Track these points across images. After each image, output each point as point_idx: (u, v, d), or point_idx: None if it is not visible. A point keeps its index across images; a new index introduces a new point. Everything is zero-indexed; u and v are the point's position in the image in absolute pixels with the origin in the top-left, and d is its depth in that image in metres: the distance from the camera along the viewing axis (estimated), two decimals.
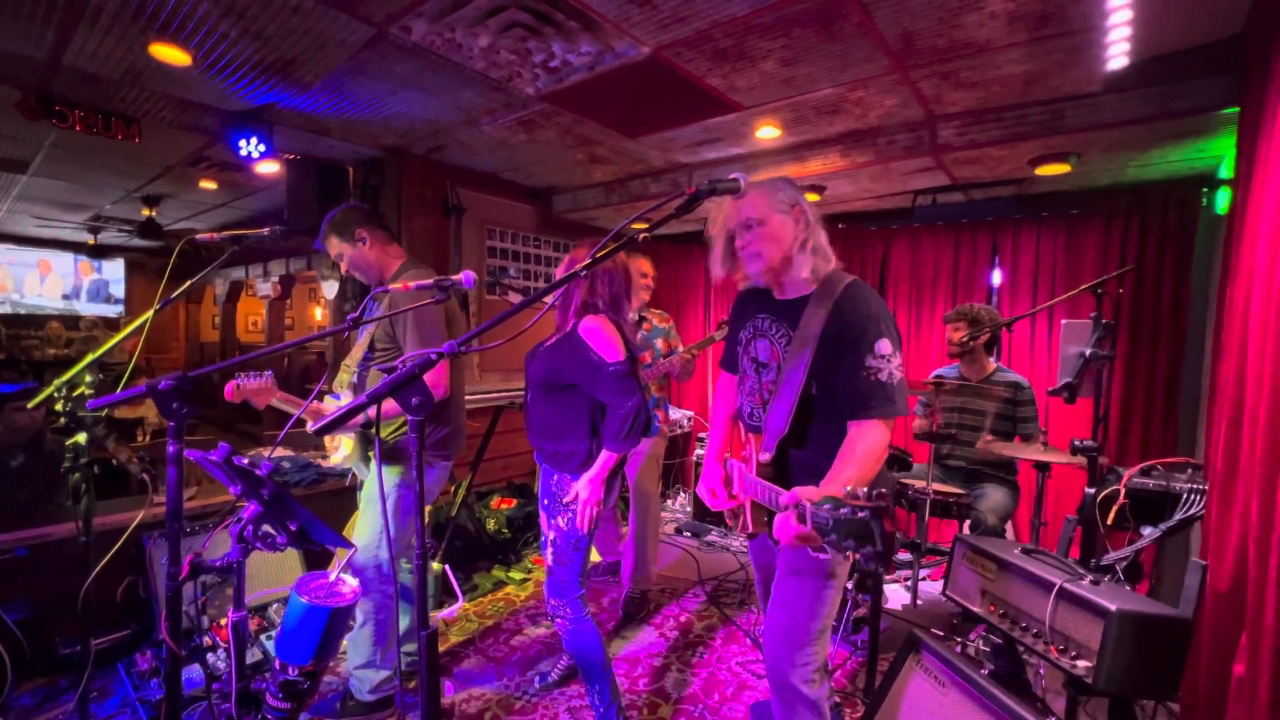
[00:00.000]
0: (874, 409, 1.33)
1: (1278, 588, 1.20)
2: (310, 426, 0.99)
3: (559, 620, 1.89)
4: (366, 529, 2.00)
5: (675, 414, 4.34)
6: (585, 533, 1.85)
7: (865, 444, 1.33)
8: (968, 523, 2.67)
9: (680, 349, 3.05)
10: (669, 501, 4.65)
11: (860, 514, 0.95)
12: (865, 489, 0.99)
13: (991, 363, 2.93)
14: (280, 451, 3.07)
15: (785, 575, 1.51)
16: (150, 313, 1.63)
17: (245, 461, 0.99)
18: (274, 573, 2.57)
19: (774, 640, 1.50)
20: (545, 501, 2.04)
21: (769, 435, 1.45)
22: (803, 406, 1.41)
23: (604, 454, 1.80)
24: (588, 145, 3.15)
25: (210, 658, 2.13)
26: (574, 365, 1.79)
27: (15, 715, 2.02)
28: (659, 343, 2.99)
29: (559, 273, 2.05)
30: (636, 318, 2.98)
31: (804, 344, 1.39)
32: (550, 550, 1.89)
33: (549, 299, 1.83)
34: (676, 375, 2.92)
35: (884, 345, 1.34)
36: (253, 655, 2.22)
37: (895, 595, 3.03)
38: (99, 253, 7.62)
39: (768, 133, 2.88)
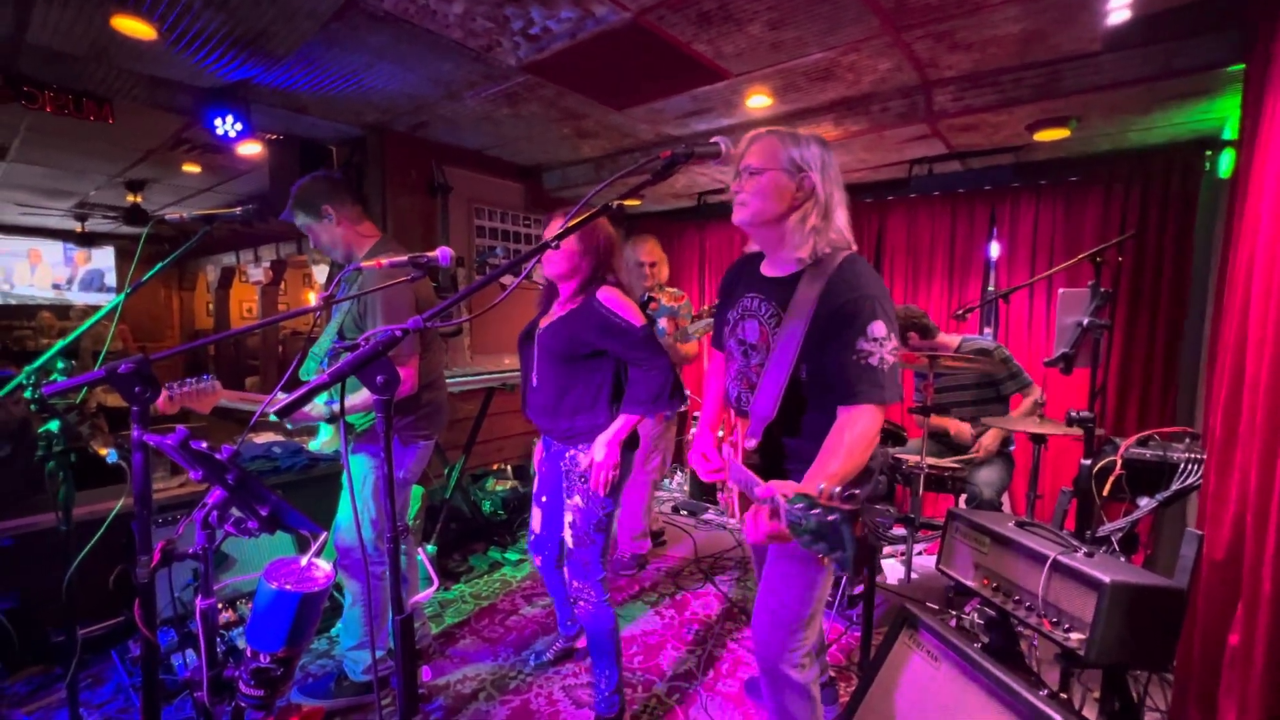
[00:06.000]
0: (862, 395, 1.24)
1: (1275, 557, 1.17)
2: (272, 410, 0.95)
3: (581, 603, 1.85)
4: (346, 511, 1.98)
5: None
6: (604, 510, 1.80)
7: (853, 432, 1.25)
8: (963, 497, 2.65)
9: (690, 333, 2.97)
10: (667, 480, 4.65)
11: (830, 516, 0.87)
12: (839, 488, 0.91)
13: (955, 338, 2.91)
14: (270, 436, 3.04)
15: (776, 558, 1.46)
16: (119, 297, 1.59)
17: (204, 445, 0.96)
18: (273, 559, 2.56)
19: (763, 625, 1.46)
20: (544, 498, 2.00)
21: (755, 421, 1.36)
22: (791, 391, 1.31)
23: (623, 416, 1.76)
24: (574, 119, 3.07)
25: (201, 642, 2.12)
26: (600, 332, 1.75)
27: (8, 703, 2.03)
28: (663, 322, 2.94)
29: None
30: (645, 298, 2.93)
31: (794, 324, 1.30)
32: (569, 532, 1.83)
33: (525, 269, 1.80)
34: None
35: (878, 328, 1.24)
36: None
37: (891, 570, 3.02)
38: (87, 240, 7.54)
39: (759, 101, 2.79)
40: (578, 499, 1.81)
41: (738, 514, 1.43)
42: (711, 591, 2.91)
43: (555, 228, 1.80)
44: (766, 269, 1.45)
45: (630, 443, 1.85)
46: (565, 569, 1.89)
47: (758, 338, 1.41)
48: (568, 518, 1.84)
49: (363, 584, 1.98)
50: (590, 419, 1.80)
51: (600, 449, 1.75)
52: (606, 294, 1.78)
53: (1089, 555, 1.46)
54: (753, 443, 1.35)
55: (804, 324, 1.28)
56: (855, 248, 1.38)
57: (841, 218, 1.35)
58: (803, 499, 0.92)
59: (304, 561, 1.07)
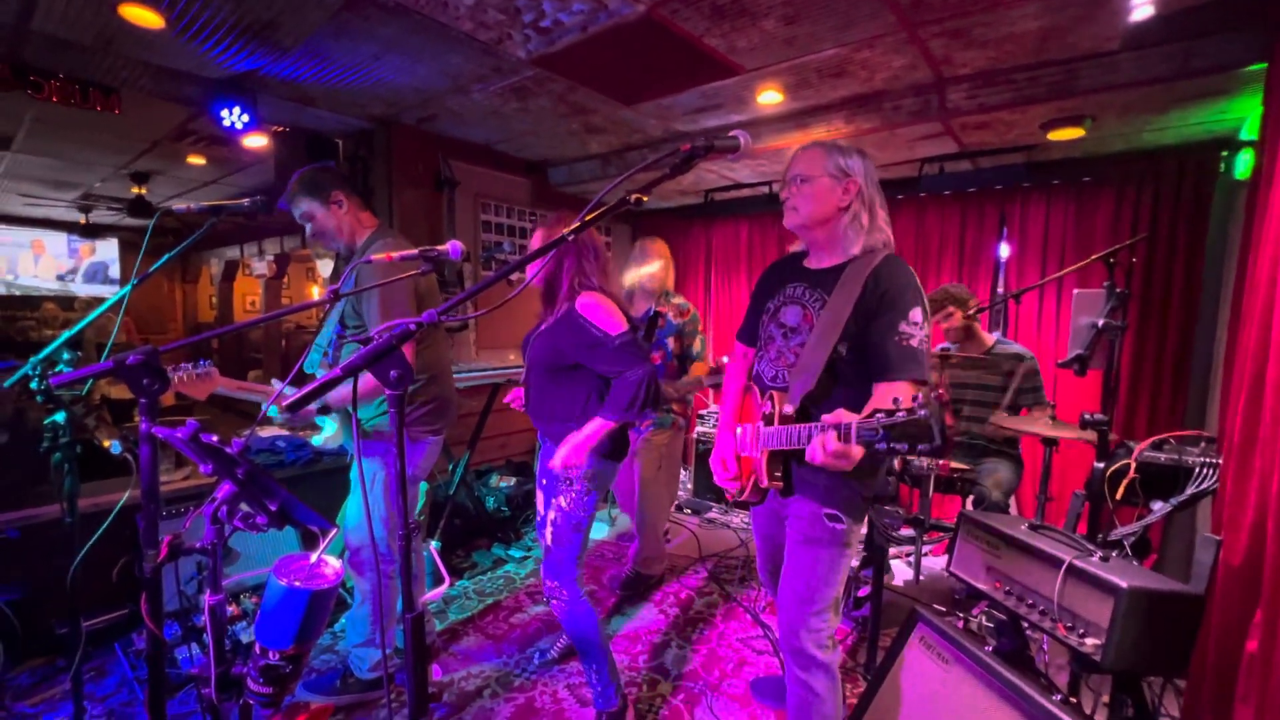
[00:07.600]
0: (903, 372, 1.34)
1: None
2: (282, 404, 0.94)
3: (554, 601, 1.87)
4: (358, 509, 1.96)
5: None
6: (586, 512, 1.81)
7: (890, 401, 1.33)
8: (971, 498, 2.63)
9: (697, 352, 2.91)
10: None
11: (919, 413, 1.00)
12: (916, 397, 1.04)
13: (991, 337, 2.86)
14: (275, 430, 3.03)
15: (798, 544, 1.52)
16: (126, 289, 1.57)
17: (215, 439, 0.94)
18: (277, 554, 2.55)
19: (789, 607, 1.52)
20: (544, 481, 2.00)
21: (795, 391, 1.45)
22: (830, 367, 1.41)
23: (597, 420, 1.72)
24: (583, 114, 3.05)
25: (209, 638, 2.11)
26: (575, 345, 1.75)
27: (11, 694, 2.02)
28: (670, 341, 2.86)
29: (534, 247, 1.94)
30: (652, 313, 2.86)
31: (839, 308, 1.42)
32: (549, 530, 1.85)
33: (529, 271, 1.80)
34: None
35: (917, 313, 1.37)
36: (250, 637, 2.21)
37: (898, 571, 3.01)
38: (91, 232, 7.53)
39: (770, 98, 2.76)
40: (561, 500, 1.82)
41: (765, 480, 1.49)
42: (716, 591, 2.89)
43: (539, 239, 1.82)
44: (811, 263, 1.56)
45: (618, 451, 1.85)
46: (541, 566, 1.90)
47: (799, 321, 1.52)
48: (550, 515, 1.84)
49: (373, 582, 1.97)
50: (578, 427, 1.80)
51: (565, 448, 1.73)
52: (584, 301, 1.75)
53: (1104, 560, 1.44)
54: (790, 409, 1.43)
55: (850, 306, 1.39)
56: (894, 246, 1.50)
57: (882, 217, 1.48)
58: (878, 412, 1.07)
59: (313, 558, 1.05)
